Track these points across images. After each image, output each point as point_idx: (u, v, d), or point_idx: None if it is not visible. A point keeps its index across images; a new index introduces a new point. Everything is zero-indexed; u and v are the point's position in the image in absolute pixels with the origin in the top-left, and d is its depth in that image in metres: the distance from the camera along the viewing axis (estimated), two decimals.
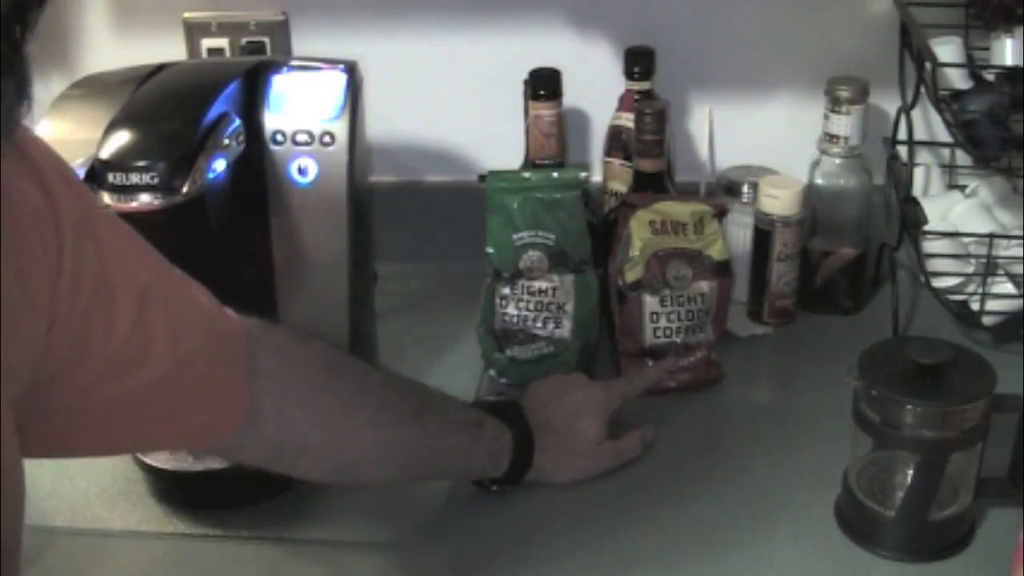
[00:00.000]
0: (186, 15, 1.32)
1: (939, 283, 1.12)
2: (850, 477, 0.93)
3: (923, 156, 1.28)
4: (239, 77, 0.95)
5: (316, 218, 0.98)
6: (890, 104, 1.23)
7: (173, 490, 0.98)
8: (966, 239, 1.13)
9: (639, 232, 1.09)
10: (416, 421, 0.88)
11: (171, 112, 0.91)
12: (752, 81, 1.31)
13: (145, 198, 0.85)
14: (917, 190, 1.22)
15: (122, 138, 0.86)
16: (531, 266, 1.10)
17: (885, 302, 1.20)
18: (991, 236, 1.08)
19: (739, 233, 1.22)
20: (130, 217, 0.86)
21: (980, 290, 1.10)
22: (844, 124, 1.16)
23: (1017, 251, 1.09)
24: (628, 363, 1.11)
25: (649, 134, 1.12)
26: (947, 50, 1.11)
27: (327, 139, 0.96)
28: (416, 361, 1.16)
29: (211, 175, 0.87)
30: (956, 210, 1.18)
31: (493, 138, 1.31)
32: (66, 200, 0.64)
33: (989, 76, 1.12)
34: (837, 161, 1.19)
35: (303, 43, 1.32)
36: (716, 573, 0.90)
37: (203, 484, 0.97)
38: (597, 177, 1.29)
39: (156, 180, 0.85)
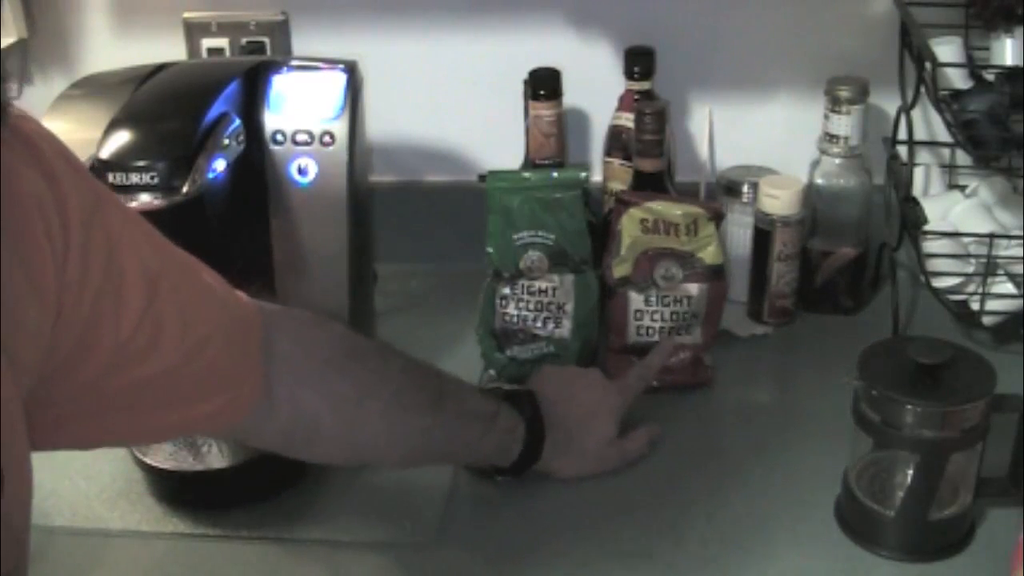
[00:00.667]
0: (186, 15, 1.32)
1: (939, 283, 1.12)
2: (850, 477, 0.93)
3: (923, 156, 1.28)
4: (239, 77, 0.95)
5: (316, 218, 0.98)
6: (890, 104, 1.23)
7: (173, 490, 0.98)
8: (966, 239, 1.13)
9: (629, 229, 1.09)
10: (432, 409, 0.88)
11: (171, 112, 0.91)
12: (752, 81, 1.31)
13: (145, 198, 0.85)
14: (917, 190, 1.23)
15: (122, 138, 0.86)
16: (531, 266, 1.10)
17: (885, 302, 1.20)
18: (991, 236, 1.08)
19: (739, 233, 1.22)
20: None
21: (980, 290, 1.10)
22: (844, 124, 1.17)
23: (1017, 251, 1.09)
24: (613, 359, 1.11)
25: (649, 134, 1.12)
26: (947, 50, 1.11)
27: (327, 139, 0.96)
28: None
29: (211, 175, 0.87)
30: (956, 210, 1.18)
31: (493, 138, 1.31)
32: (75, 191, 0.64)
33: (989, 76, 1.12)
34: (837, 161, 1.19)
35: (303, 43, 1.32)
36: (716, 573, 0.90)
37: (203, 484, 0.97)
38: (597, 177, 1.30)
39: (156, 180, 0.85)
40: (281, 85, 0.97)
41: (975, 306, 1.11)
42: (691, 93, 1.32)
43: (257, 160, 0.96)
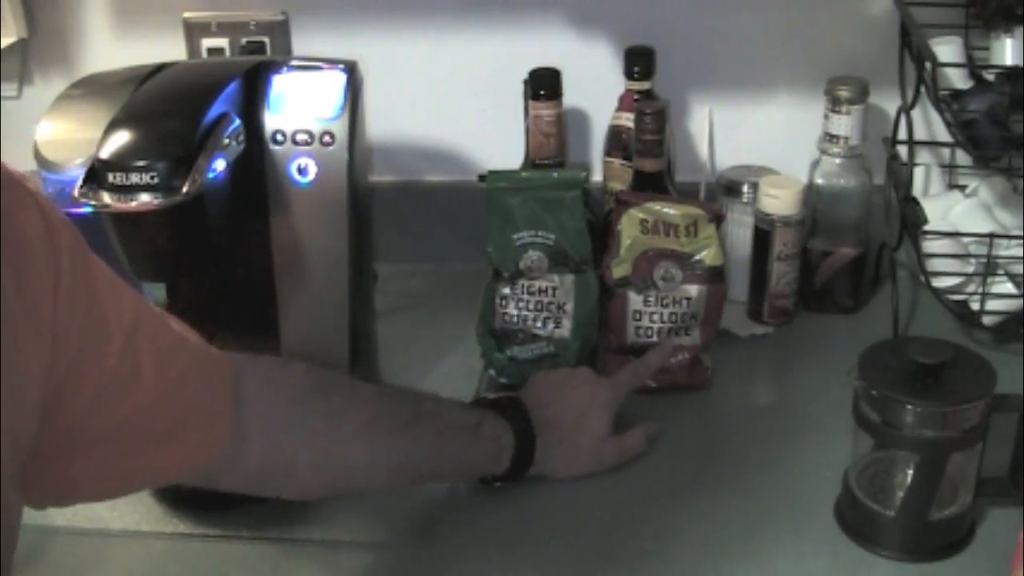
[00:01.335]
0: (186, 15, 1.32)
1: (939, 283, 1.12)
2: (850, 477, 0.93)
3: (923, 156, 1.28)
4: (239, 77, 0.95)
5: (316, 218, 0.97)
6: (890, 104, 1.23)
7: (173, 490, 0.98)
8: (966, 239, 1.13)
9: (629, 230, 1.09)
10: (410, 429, 0.89)
11: (171, 112, 0.91)
12: (752, 81, 1.31)
13: (145, 198, 0.85)
14: (917, 190, 1.23)
15: (122, 138, 0.86)
16: (531, 266, 1.10)
17: (885, 302, 1.20)
18: (991, 236, 1.08)
19: (739, 233, 1.22)
20: (130, 217, 0.86)
21: (980, 290, 1.10)
22: (844, 124, 1.17)
23: (1017, 251, 1.09)
24: (612, 359, 1.11)
25: (649, 134, 1.12)
26: (947, 50, 1.11)
27: (327, 139, 0.96)
28: (416, 361, 1.16)
29: (211, 175, 0.87)
30: (956, 210, 1.18)
31: (493, 138, 1.31)
32: (63, 229, 0.66)
33: (989, 76, 1.12)
34: (837, 161, 1.19)
35: (303, 43, 1.32)
36: (716, 573, 0.90)
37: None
38: (597, 177, 1.30)
39: (156, 180, 0.85)
40: (281, 85, 0.97)
41: (975, 306, 1.11)
42: (691, 93, 1.32)
43: (257, 160, 0.96)
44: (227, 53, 1.32)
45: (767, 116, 1.32)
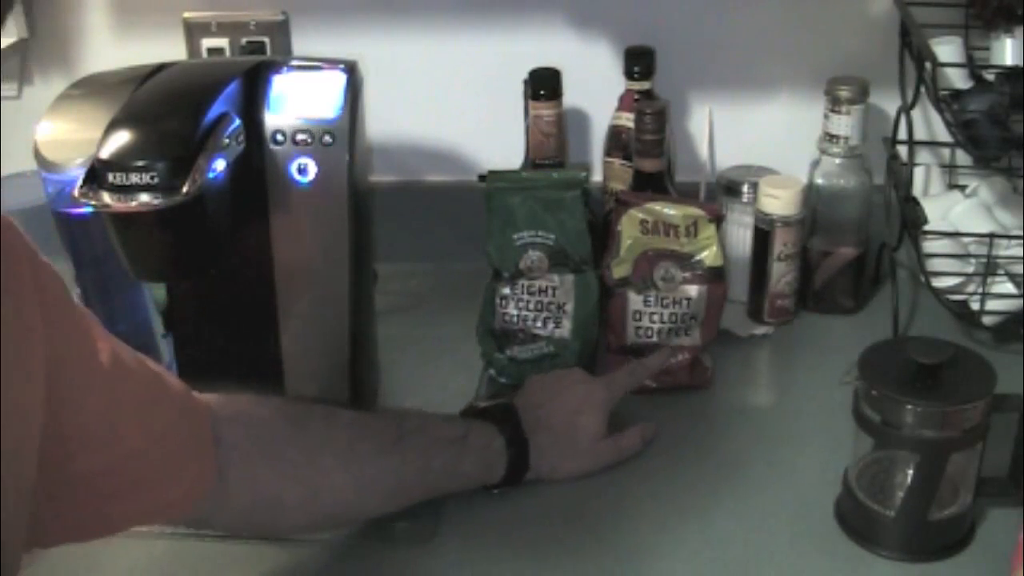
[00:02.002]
0: (186, 15, 1.32)
1: (939, 283, 1.12)
2: (850, 477, 0.93)
3: (923, 156, 1.28)
4: (239, 77, 0.95)
5: (316, 218, 0.97)
6: (890, 104, 1.23)
7: None
8: (966, 239, 1.13)
9: (629, 230, 1.09)
10: (394, 450, 0.89)
11: (171, 112, 0.91)
12: (752, 81, 1.31)
13: (145, 198, 0.85)
14: (917, 190, 1.23)
15: (122, 138, 0.86)
16: (531, 266, 1.10)
17: (885, 302, 1.20)
18: (991, 236, 1.08)
19: (739, 233, 1.22)
20: (130, 217, 0.86)
21: (980, 290, 1.10)
22: (844, 124, 1.17)
23: (1017, 251, 1.09)
24: (612, 360, 1.11)
25: (649, 134, 1.12)
26: (947, 50, 1.11)
27: (327, 139, 0.96)
28: (416, 361, 1.16)
29: (211, 175, 0.87)
30: (956, 210, 1.17)
31: (493, 138, 1.31)
32: (47, 275, 0.67)
33: (989, 76, 1.12)
34: (837, 161, 1.19)
35: (303, 43, 1.32)
36: (716, 573, 0.90)
37: None
38: (597, 177, 1.30)
39: (156, 180, 0.84)
40: (281, 85, 0.97)
41: (975, 306, 1.11)
42: (691, 93, 1.32)
43: (257, 160, 0.96)
44: (227, 53, 1.32)
45: (767, 116, 1.32)
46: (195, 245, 0.92)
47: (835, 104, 1.16)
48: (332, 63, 0.99)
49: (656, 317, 1.09)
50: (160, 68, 0.98)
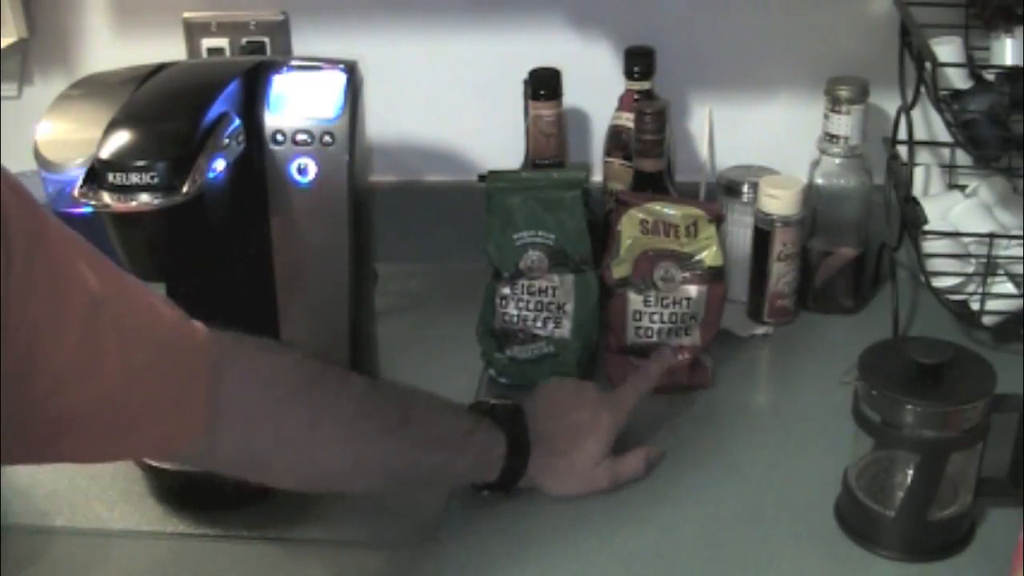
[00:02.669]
0: (186, 15, 1.32)
1: (939, 283, 1.12)
2: (850, 477, 0.93)
3: (923, 156, 1.28)
4: (239, 77, 0.95)
5: (316, 218, 0.97)
6: (890, 104, 1.23)
7: (173, 490, 0.98)
8: (966, 239, 1.13)
9: (628, 230, 1.09)
10: (394, 434, 0.87)
11: (171, 112, 0.91)
12: (752, 81, 1.31)
13: (145, 198, 0.85)
14: (917, 190, 1.23)
15: (122, 138, 0.86)
16: (531, 266, 1.10)
17: (885, 302, 1.20)
18: (991, 236, 1.08)
19: (739, 233, 1.22)
20: (130, 217, 0.86)
21: (980, 290, 1.10)
22: (844, 124, 1.17)
23: (1017, 251, 1.09)
24: (612, 360, 1.11)
25: (649, 134, 1.12)
26: (947, 50, 1.11)
27: (327, 139, 0.96)
28: (416, 361, 1.16)
29: (211, 175, 0.87)
30: (956, 210, 1.17)
31: (493, 138, 1.31)
32: (16, 218, 0.65)
33: (989, 76, 1.12)
34: (837, 161, 1.19)
35: (303, 43, 1.32)
36: (716, 573, 0.90)
37: (203, 484, 0.96)
38: (597, 177, 1.30)
39: (156, 180, 0.85)
40: (281, 85, 0.97)
41: (975, 306, 1.11)
42: (691, 93, 1.32)
43: (257, 160, 0.96)
44: (227, 53, 1.32)
45: (767, 116, 1.32)
46: (195, 245, 0.92)
47: (835, 104, 1.16)
48: (332, 63, 0.99)
49: (656, 317, 1.09)
50: (160, 68, 0.98)
